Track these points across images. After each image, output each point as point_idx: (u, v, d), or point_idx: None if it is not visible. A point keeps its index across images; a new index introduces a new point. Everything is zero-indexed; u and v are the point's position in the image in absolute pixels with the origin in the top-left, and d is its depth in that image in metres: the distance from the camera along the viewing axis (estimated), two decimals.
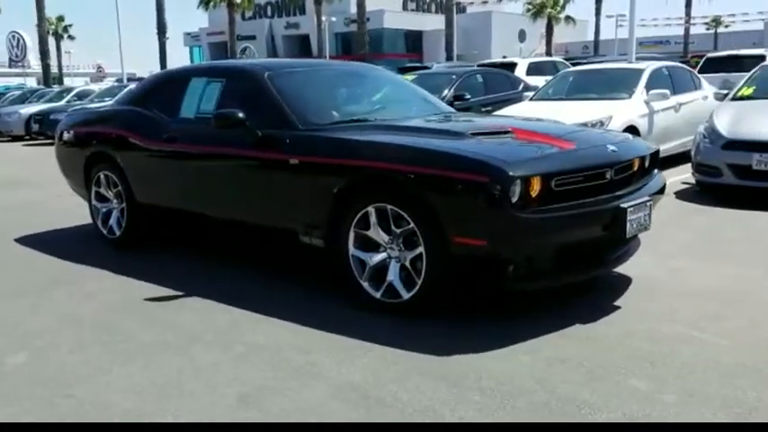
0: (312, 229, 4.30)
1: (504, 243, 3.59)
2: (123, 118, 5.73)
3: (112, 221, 5.85)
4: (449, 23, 27.85)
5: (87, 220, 6.29)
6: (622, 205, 3.83)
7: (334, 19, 48.12)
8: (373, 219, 3.98)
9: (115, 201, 5.82)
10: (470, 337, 3.61)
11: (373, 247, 4.07)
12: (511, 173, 3.51)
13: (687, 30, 49.61)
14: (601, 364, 3.29)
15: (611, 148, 4.06)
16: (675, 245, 5.40)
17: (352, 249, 4.11)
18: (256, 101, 4.67)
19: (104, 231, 5.92)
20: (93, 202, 6.00)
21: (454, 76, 10.70)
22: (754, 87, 8.28)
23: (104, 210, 5.93)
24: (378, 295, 4.02)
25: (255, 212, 4.68)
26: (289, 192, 4.37)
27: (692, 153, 7.62)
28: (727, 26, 52.51)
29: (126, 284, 4.80)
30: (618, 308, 4.02)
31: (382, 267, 4.03)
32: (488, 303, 4.06)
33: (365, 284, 4.08)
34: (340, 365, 3.36)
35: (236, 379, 3.27)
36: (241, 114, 4.48)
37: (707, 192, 7.38)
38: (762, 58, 14.18)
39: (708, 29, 53.13)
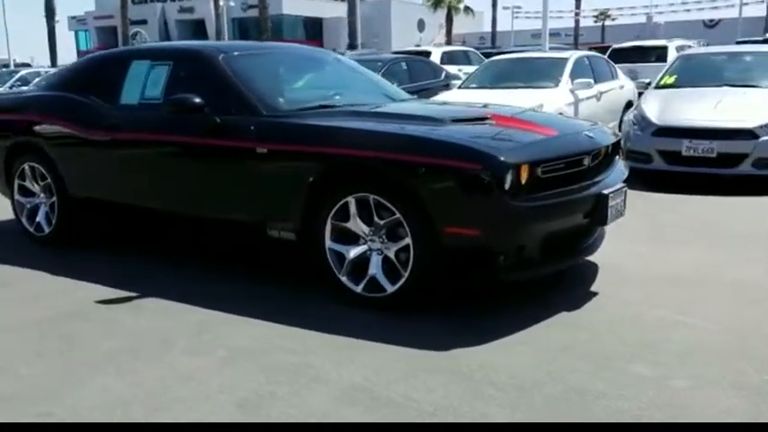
0: (282, 222, 4.07)
1: (497, 232, 3.50)
2: (52, 104, 5.25)
3: (40, 218, 5.37)
4: (351, 11, 27.59)
5: (5, 215, 5.77)
6: (604, 191, 3.83)
7: (232, 3, 46.82)
8: (353, 210, 3.80)
9: (43, 195, 5.34)
10: (463, 332, 3.50)
11: (352, 239, 3.90)
12: (504, 159, 3.43)
13: (577, 22, 51.54)
14: (601, 352, 3.26)
15: (589, 134, 4.06)
16: (624, 230, 5.49)
17: (328, 242, 3.91)
18: (211, 85, 4.36)
19: (31, 228, 5.42)
20: (17, 196, 5.49)
21: (380, 63, 10.58)
22: (675, 76, 8.60)
23: (30, 205, 5.43)
24: (358, 290, 3.85)
25: (214, 205, 4.39)
26: (255, 183, 4.11)
27: (623, 141, 7.83)
28: (614, 19, 54.98)
29: (71, 287, 4.39)
30: (595, 294, 4.03)
31: (362, 261, 3.86)
32: (468, 297, 3.96)
33: (344, 279, 3.89)
34: (338, 366, 3.18)
35: (227, 386, 3.03)
36: (198, 100, 4.18)
37: (637, 177, 7.60)
38: (664, 48, 14.89)
39: (596, 21, 55.43)
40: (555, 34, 55.59)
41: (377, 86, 5.25)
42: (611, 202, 3.85)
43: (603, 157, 4.26)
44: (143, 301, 4.07)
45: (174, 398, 2.94)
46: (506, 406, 2.80)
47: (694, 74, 8.57)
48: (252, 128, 4.10)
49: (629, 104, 10.27)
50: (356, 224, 3.82)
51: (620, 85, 10.52)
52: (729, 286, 4.15)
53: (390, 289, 3.75)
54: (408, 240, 3.64)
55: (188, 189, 4.47)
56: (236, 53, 4.68)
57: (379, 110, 4.32)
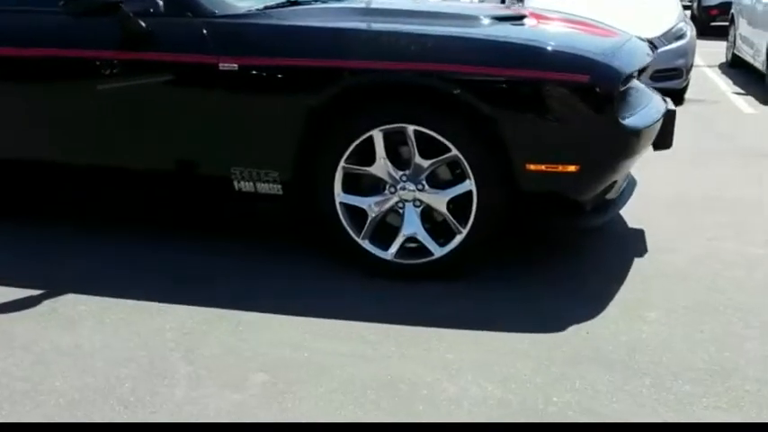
0: (260, 170, 2.86)
1: (601, 164, 2.62)
2: None
3: None
4: None
5: None
6: (670, 107, 3.11)
7: None
8: (380, 147, 2.72)
9: None
10: (525, 312, 2.59)
11: (371, 188, 2.83)
12: (616, 67, 2.57)
13: None
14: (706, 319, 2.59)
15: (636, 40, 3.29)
16: None
17: (339, 194, 2.81)
18: None
19: None
20: None
21: None
22: None
23: None
24: (388, 256, 2.81)
25: (149, 152, 3.02)
26: (215, 115, 2.83)
27: None
28: None
29: None
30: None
31: (389, 216, 2.82)
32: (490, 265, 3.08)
33: (365, 244, 2.83)
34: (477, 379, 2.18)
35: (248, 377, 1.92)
36: None
37: None
38: None
39: None
40: None
41: None
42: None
43: None
44: (96, 303, 2.69)
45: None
46: (680, 400, 2.02)
47: None
48: (204, 33, 2.80)
49: None
50: (383, 167, 2.75)
51: None
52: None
53: (439, 252, 2.76)
54: (469, 185, 2.66)
55: (106, 129, 3.03)
56: None
57: (387, 6, 3.19)
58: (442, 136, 2.63)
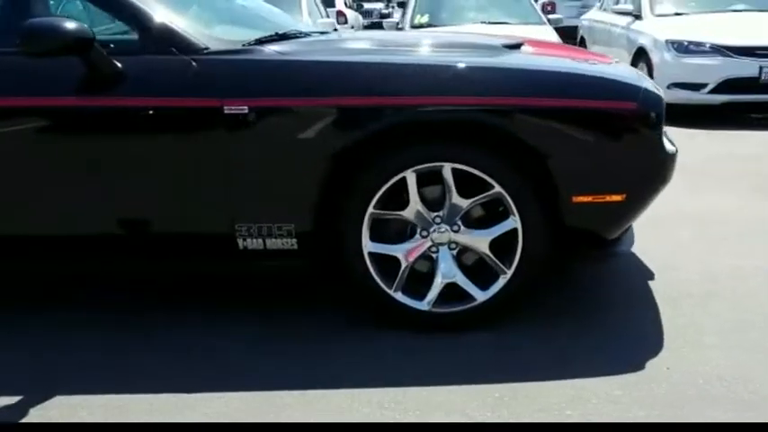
0: (274, 225, 2.51)
1: (647, 191, 2.54)
2: None
3: None
4: None
5: None
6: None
7: None
8: (413, 189, 2.48)
9: None
10: (588, 356, 2.49)
11: (400, 234, 2.58)
12: (657, 93, 2.52)
13: None
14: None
15: None
16: None
17: (368, 244, 2.53)
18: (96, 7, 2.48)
19: None
20: None
21: None
22: (428, 15, 8.24)
23: None
24: (425, 306, 2.57)
25: (127, 216, 2.54)
26: (218, 166, 2.45)
27: None
28: None
29: None
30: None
31: (421, 264, 2.58)
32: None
33: (398, 296, 2.57)
34: None
35: None
36: (77, 26, 2.31)
37: None
38: None
39: None
40: None
41: (272, 16, 3.65)
42: None
43: None
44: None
45: None
46: None
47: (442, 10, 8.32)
48: (200, 72, 2.41)
49: None
50: (415, 211, 2.51)
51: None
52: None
53: (481, 297, 2.56)
54: (513, 223, 2.50)
55: (71, 195, 2.52)
56: None
57: (389, 39, 2.95)
58: (484, 173, 2.44)
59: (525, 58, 2.71)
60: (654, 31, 7.28)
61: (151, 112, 2.43)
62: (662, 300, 2.83)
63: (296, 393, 2.22)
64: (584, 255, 2.69)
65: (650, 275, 3.09)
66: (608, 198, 2.50)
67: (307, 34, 3.01)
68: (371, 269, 2.54)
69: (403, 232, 2.59)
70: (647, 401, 2.14)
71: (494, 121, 2.41)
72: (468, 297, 2.57)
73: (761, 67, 6.56)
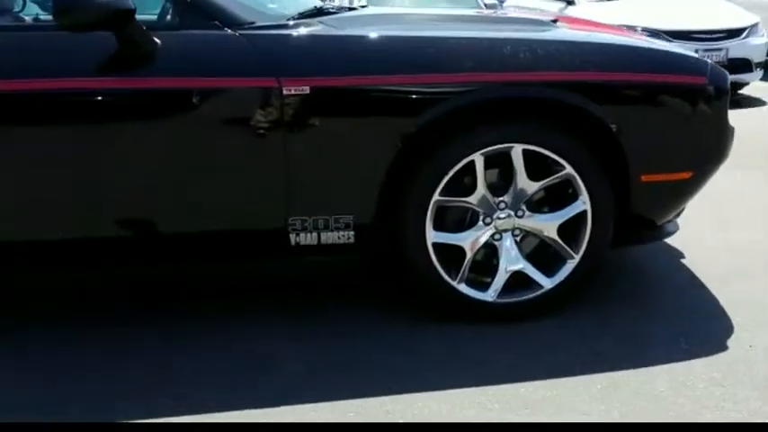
0: (331, 217, 2.29)
1: (712, 168, 2.49)
2: None
3: None
4: None
5: None
6: None
7: None
8: (481, 174, 2.33)
9: None
10: (670, 340, 2.45)
11: (462, 222, 2.42)
12: (724, 69, 2.47)
13: None
14: None
15: None
16: None
17: (431, 234, 2.35)
18: None
19: None
20: None
21: None
22: None
23: None
24: (490, 297, 2.42)
25: (164, 212, 2.25)
26: (272, 153, 2.20)
27: None
28: None
29: None
30: None
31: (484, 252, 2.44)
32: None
33: (461, 287, 2.41)
34: None
35: None
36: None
37: None
38: None
39: None
40: None
41: None
42: None
43: None
44: None
45: None
46: None
47: None
48: (249, 49, 2.15)
49: None
50: (481, 196, 2.36)
51: None
52: None
53: (548, 284, 2.44)
54: (583, 205, 2.39)
55: (101, 191, 2.19)
56: None
57: (439, 14, 2.75)
58: (556, 153, 2.32)
59: (591, 34, 2.60)
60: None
61: (195, 94, 2.15)
62: (709, 280, 2.80)
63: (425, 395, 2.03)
64: (637, 236, 2.62)
65: (680, 254, 3.08)
66: (676, 176, 2.44)
67: (340, 8, 2.78)
68: (435, 261, 2.37)
69: (461, 221, 2.44)
70: (747, 382, 2.09)
71: (569, 97, 2.29)
72: (533, 285, 2.45)
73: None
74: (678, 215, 2.68)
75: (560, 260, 2.45)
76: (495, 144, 2.30)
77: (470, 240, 2.39)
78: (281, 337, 2.37)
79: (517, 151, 2.31)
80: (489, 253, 2.46)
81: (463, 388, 2.08)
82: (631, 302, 2.63)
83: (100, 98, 2.12)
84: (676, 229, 2.72)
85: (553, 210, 2.42)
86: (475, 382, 2.10)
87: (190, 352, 2.28)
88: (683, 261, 3.01)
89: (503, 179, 2.40)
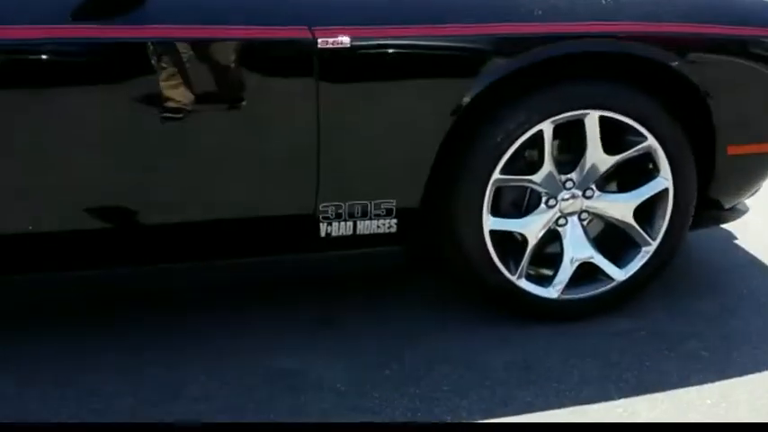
0: (371, 203, 1.86)
1: None
2: None
3: None
4: None
5: None
6: None
7: None
8: (549, 146, 1.93)
9: None
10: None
11: (512, 207, 2.03)
12: None
13: None
14: None
15: None
16: None
17: (489, 220, 1.95)
18: None
19: None
20: None
21: None
22: None
23: None
24: (554, 293, 2.04)
25: (176, 198, 1.78)
26: (304, 123, 1.74)
27: None
28: None
29: None
30: None
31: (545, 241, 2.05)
32: None
33: (522, 282, 2.02)
34: None
35: None
36: None
37: None
38: None
39: None
40: None
41: None
42: None
43: None
44: None
45: None
46: None
47: None
48: None
49: None
50: (547, 173, 1.96)
51: None
52: None
53: (620, 276, 2.07)
54: (664, 183, 2.02)
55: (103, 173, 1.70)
56: None
57: None
58: (638, 122, 1.94)
59: None
60: None
61: (210, 48, 1.68)
62: None
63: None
64: (715, 217, 2.27)
65: (731, 235, 2.76)
66: (764, 148, 2.10)
67: None
68: (492, 252, 1.97)
69: (516, 205, 2.05)
70: None
71: (657, 55, 1.90)
72: (600, 278, 2.08)
73: None
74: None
75: (633, 248, 2.08)
76: (567, 110, 1.90)
77: (535, 227, 2.00)
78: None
79: (593, 119, 1.92)
80: (548, 241, 2.08)
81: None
82: (696, 295, 2.27)
83: (96, 50, 1.63)
84: (747, 209, 2.39)
85: (625, 189, 2.05)
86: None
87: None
88: (735, 242, 2.70)
89: (569, 153, 2.01)
